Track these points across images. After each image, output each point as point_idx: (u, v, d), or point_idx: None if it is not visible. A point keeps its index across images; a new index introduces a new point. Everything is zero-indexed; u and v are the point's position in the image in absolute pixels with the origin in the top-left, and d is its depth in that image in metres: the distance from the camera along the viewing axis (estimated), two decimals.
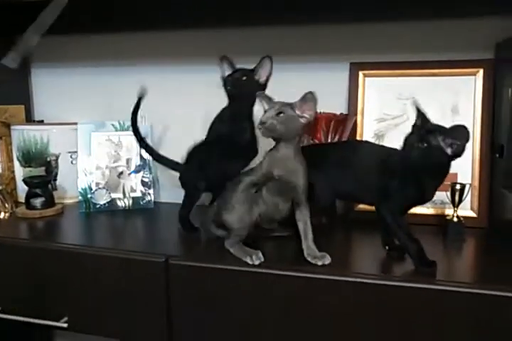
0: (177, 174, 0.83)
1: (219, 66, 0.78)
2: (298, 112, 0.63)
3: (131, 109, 0.86)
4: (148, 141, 0.98)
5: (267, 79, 0.74)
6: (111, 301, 0.70)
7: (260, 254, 0.64)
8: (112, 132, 0.97)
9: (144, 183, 0.98)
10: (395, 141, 0.65)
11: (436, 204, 0.83)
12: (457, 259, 0.71)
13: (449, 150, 0.60)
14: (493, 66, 0.82)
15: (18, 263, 0.75)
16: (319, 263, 0.63)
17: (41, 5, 0.80)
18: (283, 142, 0.64)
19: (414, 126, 0.64)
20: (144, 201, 0.98)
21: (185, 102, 1.03)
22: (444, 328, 0.57)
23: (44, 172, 0.98)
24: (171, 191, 0.99)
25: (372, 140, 0.88)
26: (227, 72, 0.76)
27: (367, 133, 0.88)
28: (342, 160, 0.70)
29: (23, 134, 0.97)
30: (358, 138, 0.88)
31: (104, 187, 0.96)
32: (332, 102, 0.89)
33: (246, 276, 0.63)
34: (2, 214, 0.90)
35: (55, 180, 0.99)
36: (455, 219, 0.77)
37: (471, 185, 0.82)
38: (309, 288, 0.61)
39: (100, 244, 0.74)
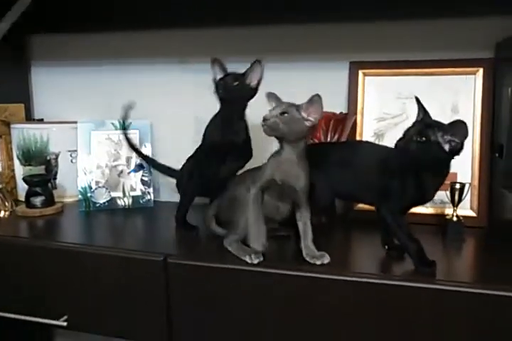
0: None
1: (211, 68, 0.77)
2: (304, 114, 0.62)
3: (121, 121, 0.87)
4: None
5: (258, 83, 0.75)
6: (110, 300, 0.70)
7: (259, 253, 0.64)
8: (111, 131, 0.97)
9: (143, 182, 0.98)
10: (394, 140, 0.65)
11: (436, 204, 0.83)
12: (457, 259, 0.71)
13: (447, 147, 0.60)
14: (493, 65, 0.82)
15: (18, 262, 0.75)
16: (318, 262, 0.63)
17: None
18: (286, 145, 0.63)
19: (415, 121, 0.64)
20: (144, 200, 0.98)
21: (186, 101, 1.03)
22: (444, 328, 0.57)
23: (44, 171, 0.98)
24: (171, 190, 0.99)
25: (371, 139, 0.88)
26: (219, 75, 0.76)
27: (366, 132, 0.88)
28: (342, 160, 0.70)
29: (23, 133, 0.97)
30: (357, 137, 0.88)
31: (103, 186, 0.96)
32: (332, 101, 0.88)
33: (245, 275, 0.63)
34: (2, 212, 0.91)
35: (55, 178, 0.99)
36: (455, 219, 0.77)
37: (470, 184, 0.81)
38: (309, 288, 0.61)
39: (100, 243, 0.74)
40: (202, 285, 0.65)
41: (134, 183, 0.98)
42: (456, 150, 0.60)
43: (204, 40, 0.99)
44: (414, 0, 0.84)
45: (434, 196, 0.65)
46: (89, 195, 0.95)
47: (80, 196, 0.95)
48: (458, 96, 0.84)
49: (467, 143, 0.83)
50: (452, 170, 0.64)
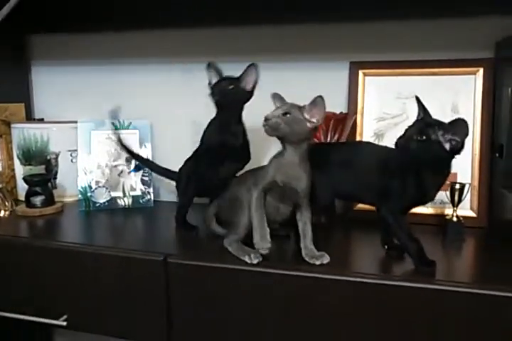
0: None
1: (207, 71, 0.78)
2: (307, 116, 0.62)
3: (114, 125, 0.90)
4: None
5: (254, 87, 0.75)
6: (110, 299, 0.70)
7: (259, 253, 0.64)
8: (111, 130, 0.97)
9: (143, 182, 0.98)
10: (394, 140, 0.65)
11: (436, 204, 0.83)
12: (457, 259, 0.71)
13: (447, 146, 0.60)
14: (493, 65, 0.82)
15: (18, 262, 0.75)
16: (317, 262, 0.63)
17: None
18: (289, 146, 0.63)
19: (416, 120, 0.64)
20: (144, 200, 0.98)
21: (186, 101, 1.03)
22: (444, 328, 0.57)
23: (44, 171, 0.98)
24: (171, 190, 0.99)
25: (371, 139, 0.88)
26: (214, 80, 0.76)
27: (366, 132, 0.88)
28: (342, 160, 0.70)
29: (23, 132, 0.98)
30: (357, 137, 0.88)
31: (104, 186, 0.96)
32: (332, 101, 0.87)
33: (245, 275, 0.63)
34: (2, 212, 0.91)
35: (55, 178, 0.99)
36: (454, 219, 0.77)
37: (470, 184, 0.81)
38: (308, 288, 0.61)
39: (100, 243, 0.74)
40: (202, 285, 0.65)
41: (134, 183, 0.98)
42: (457, 149, 0.60)
43: (204, 40, 0.99)
44: (414, 0, 0.84)
45: (435, 196, 0.65)
46: (89, 194, 0.95)
47: (80, 196, 0.95)
48: (458, 96, 0.84)
49: (467, 143, 0.84)
50: (452, 170, 0.64)
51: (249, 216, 0.65)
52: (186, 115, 1.03)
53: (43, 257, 0.74)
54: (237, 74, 0.75)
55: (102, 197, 0.95)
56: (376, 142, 0.87)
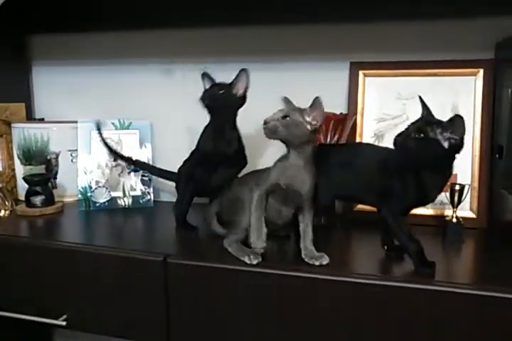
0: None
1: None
2: (308, 119, 0.62)
3: (102, 141, 0.91)
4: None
5: (245, 92, 0.75)
6: (110, 299, 0.70)
7: (258, 254, 0.64)
8: (112, 131, 0.97)
9: (143, 182, 0.98)
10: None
11: (436, 205, 0.83)
12: (456, 260, 0.71)
13: (445, 144, 0.59)
14: (493, 66, 0.82)
15: (18, 261, 0.76)
16: (316, 263, 0.63)
17: None
18: (292, 150, 0.63)
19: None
20: (144, 200, 0.98)
21: (186, 101, 1.03)
22: (443, 329, 0.57)
23: (44, 171, 0.98)
24: (171, 190, 0.99)
25: (371, 140, 0.88)
26: (207, 87, 0.77)
27: (366, 133, 0.88)
28: (343, 162, 0.70)
29: (23, 132, 0.98)
30: (357, 138, 0.88)
31: (104, 186, 0.96)
32: (332, 102, 0.88)
33: (244, 276, 0.63)
34: (2, 211, 0.91)
35: (55, 178, 0.99)
36: (454, 220, 0.77)
37: (470, 185, 0.81)
38: (307, 288, 0.61)
39: (100, 243, 0.74)
40: (201, 285, 0.65)
41: (134, 183, 0.98)
42: (456, 147, 0.60)
43: (204, 40, 0.99)
44: (414, 0, 0.84)
45: (436, 197, 0.65)
46: (89, 194, 0.95)
47: (80, 196, 0.95)
48: (458, 97, 0.84)
49: (467, 144, 0.84)
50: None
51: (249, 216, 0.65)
52: (187, 115, 1.03)
53: (43, 257, 0.74)
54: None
55: (102, 197, 0.96)
56: (376, 143, 0.87)
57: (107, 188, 0.96)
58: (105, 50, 1.07)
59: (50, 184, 0.95)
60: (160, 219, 0.92)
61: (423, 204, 0.67)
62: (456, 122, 0.59)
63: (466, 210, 0.82)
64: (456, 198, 0.77)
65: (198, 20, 0.97)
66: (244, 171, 0.80)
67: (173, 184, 0.87)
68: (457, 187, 0.77)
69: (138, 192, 0.98)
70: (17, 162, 1.00)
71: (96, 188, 0.96)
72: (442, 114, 0.83)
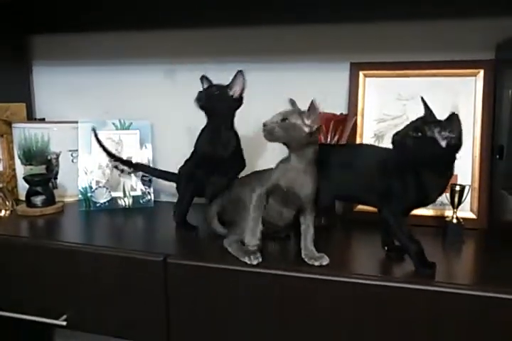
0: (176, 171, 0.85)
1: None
2: (307, 121, 0.61)
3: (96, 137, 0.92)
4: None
5: (241, 94, 0.75)
6: (110, 299, 0.70)
7: (258, 254, 0.64)
8: (112, 131, 0.98)
9: (144, 182, 0.98)
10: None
11: (436, 206, 0.83)
12: (456, 261, 0.71)
13: (443, 143, 0.59)
14: (493, 67, 0.82)
15: (18, 261, 0.76)
16: (316, 263, 0.63)
17: None
18: (292, 152, 0.63)
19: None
20: (144, 200, 0.98)
21: (186, 101, 1.03)
22: (443, 330, 0.57)
23: (45, 171, 0.98)
24: (171, 190, 0.99)
25: (372, 140, 0.88)
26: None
27: (367, 133, 0.88)
28: (343, 162, 0.70)
29: (24, 132, 0.98)
30: (357, 138, 0.88)
31: (104, 186, 0.96)
32: (332, 102, 0.89)
33: (244, 276, 0.63)
34: (3, 211, 0.91)
35: (56, 178, 0.99)
36: (454, 221, 0.77)
37: (470, 186, 0.81)
38: (307, 289, 0.61)
39: (100, 243, 0.74)
40: (201, 285, 0.65)
41: (134, 183, 0.98)
42: (453, 146, 0.60)
43: (204, 40, 0.99)
44: (415, 1, 0.84)
45: (437, 198, 0.65)
46: (89, 194, 0.95)
47: (80, 196, 0.95)
48: (458, 98, 0.84)
49: (467, 144, 0.84)
50: None
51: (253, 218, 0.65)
52: (187, 115, 1.02)
53: (43, 257, 0.74)
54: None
55: (102, 197, 0.96)
56: (376, 143, 0.87)
57: (107, 188, 0.96)
58: (106, 50, 1.07)
59: (50, 184, 0.95)
60: (160, 220, 0.92)
61: (424, 204, 0.67)
62: (452, 120, 0.59)
63: (466, 211, 0.82)
64: (456, 199, 0.77)
65: (198, 21, 0.97)
66: (244, 172, 0.80)
67: (174, 184, 0.87)
68: (457, 188, 0.77)
69: (138, 193, 0.98)
70: (18, 162, 1.00)
71: (96, 188, 0.96)
72: (443, 115, 0.83)
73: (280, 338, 0.63)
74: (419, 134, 0.60)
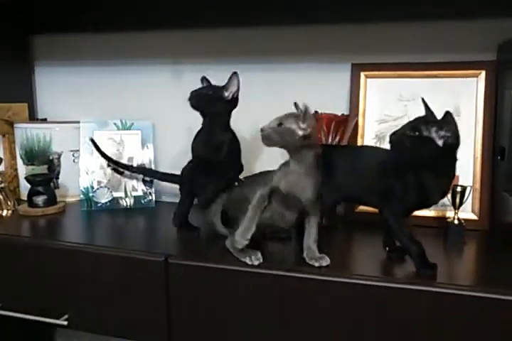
0: (178, 171, 0.85)
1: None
2: (302, 125, 0.61)
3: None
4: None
5: (234, 95, 0.75)
6: (111, 299, 0.70)
7: (259, 255, 0.64)
8: (114, 131, 0.98)
9: (145, 182, 0.98)
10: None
11: (437, 207, 0.83)
12: (458, 262, 0.71)
13: (440, 142, 0.59)
14: (495, 68, 0.82)
15: (20, 261, 0.76)
16: (316, 264, 0.63)
17: None
18: (291, 156, 0.63)
19: None
20: (146, 200, 0.98)
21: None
22: (444, 331, 0.57)
23: (46, 171, 0.98)
24: (172, 191, 0.99)
25: (373, 141, 0.88)
26: None
27: (368, 134, 0.88)
28: (345, 163, 0.70)
29: (26, 132, 0.98)
30: (359, 139, 0.88)
31: (105, 186, 0.96)
32: (333, 103, 0.89)
33: (245, 276, 0.63)
34: (4, 211, 0.91)
35: (57, 178, 1.00)
36: (456, 222, 0.77)
37: (472, 187, 0.81)
38: (308, 289, 0.61)
39: (101, 243, 0.74)
40: (202, 285, 0.65)
41: (135, 183, 0.98)
42: (450, 144, 0.59)
43: (204, 40, 0.99)
44: (416, 1, 0.84)
45: (439, 199, 0.64)
46: (91, 194, 0.95)
47: (81, 196, 0.95)
48: (460, 99, 0.84)
49: (469, 145, 0.84)
50: None
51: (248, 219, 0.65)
52: (189, 116, 1.03)
53: (45, 257, 0.74)
54: (238, 74, 0.76)
55: (103, 198, 0.96)
56: (378, 144, 0.87)
57: (108, 188, 0.96)
58: (107, 50, 1.07)
59: (52, 184, 0.95)
60: (161, 220, 0.92)
61: (426, 206, 0.67)
62: (447, 119, 0.59)
63: (467, 212, 0.82)
64: (457, 200, 0.77)
65: (198, 21, 0.97)
66: (244, 174, 0.80)
67: (174, 185, 0.87)
68: (459, 189, 0.76)
69: (139, 193, 0.98)
70: (19, 162, 1.01)
71: (98, 188, 0.96)
72: None
73: (280, 338, 0.63)
74: (416, 134, 0.60)
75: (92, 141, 0.94)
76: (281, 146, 0.63)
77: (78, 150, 0.97)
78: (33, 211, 0.90)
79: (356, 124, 0.87)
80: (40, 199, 0.91)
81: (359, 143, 0.88)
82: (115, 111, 1.03)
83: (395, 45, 0.89)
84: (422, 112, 0.65)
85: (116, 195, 0.97)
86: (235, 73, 0.75)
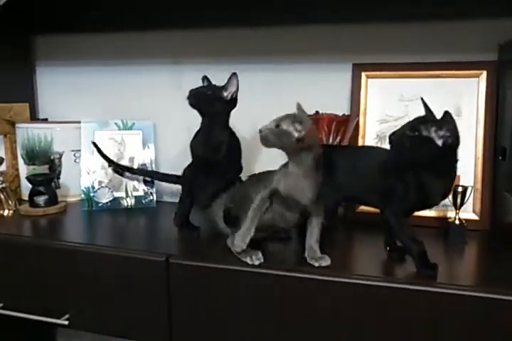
0: (179, 171, 0.85)
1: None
2: (298, 127, 0.60)
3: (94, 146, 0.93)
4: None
5: (233, 95, 0.75)
6: (112, 299, 0.70)
7: (260, 255, 0.64)
8: (115, 131, 0.98)
9: (146, 182, 0.99)
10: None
11: (438, 207, 0.83)
12: (459, 262, 0.71)
13: (439, 142, 0.59)
14: (496, 68, 0.82)
15: (21, 261, 0.76)
16: (316, 264, 0.63)
17: None
18: (290, 158, 0.63)
19: None
20: (147, 200, 0.98)
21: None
22: (445, 331, 0.57)
23: (47, 171, 0.98)
24: (174, 191, 0.99)
25: (374, 141, 0.88)
26: None
27: (369, 134, 0.88)
28: (346, 164, 0.70)
29: (27, 132, 0.98)
30: (360, 139, 0.88)
31: (106, 186, 0.96)
32: (334, 103, 0.89)
33: (246, 276, 0.63)
34: (6, 211, 0.91)
35: (59, 178, 1.00)
36: (457, 222, 0.77)
37: (473, 187, 0.81)
38: (309, 289, 0.61)
39: (102, 243, 0.74)
40: (203, 285, 0.65)
41: (136, 183, 0.98)
42: (450, 144, 0.59)
43: (205, 40, 0.99)
44: (417, 1, 0.84)
45: (440, 200, 0.64)
46: (92, 194, 0.95)
47: (82, 196, 0.95)
48: (461, 99, 0.84)
49: (470, 146, 0.84)
50: None
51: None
52: (190, 116, 1.03)
53: (46, 256, 0.74)
54: (239, 74, 0.76)
55: (104, 197, 0.96)
56: (379, 144, 0.87)
57: (109, 188, 0.96)
58: (108, 50, 1.08)
59: (53, 184, 0.95)
60: (162, 220, 0.93)
61: (427, 206, 0.67)
62: (447, 119, 0.59)
63: (468, 212, 0.82)
64: (458, 200, 0.77)
65: (198, 21, 0.97)
66: (244, 174, 0.80)
67: (175, 185, 0.87)
68: (460, 189, 0.76)
69: (141, 193, 0.98)
70: (21, 162, 1.01)
71: (99, 188, 0.96)
72: None
73: (281, 338, 0.63)
74: (416, 134, 0.60)
75: (94, 144, 0.94)
76: (279, 148, 0.63)
77: (79, 150, 0.98)
78: (34, 211, 0.90)
79: (357, 124, 0.87)
80: (41, 199, 0.91)
81: (360, 144, 0.88)
82: (116, 111, 1.03)
83: (396, 45, 0.89)
84: (422, 112, 0.65)
85: (117, 194, 0.97)
86: (234, 74, 0.75)
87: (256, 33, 0.95)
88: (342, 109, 0.89)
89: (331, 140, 0.82)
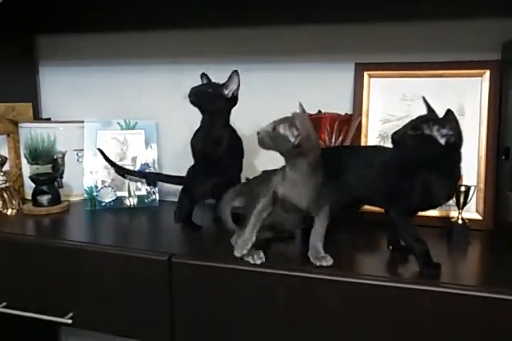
0: (182, 171, 0.85)
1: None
2: (295, 132, 0.59)
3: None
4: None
5: (234, 93, 0.75)
6: (115, 298, 0.71)
7: (262, 254, 0.64)
8: (118, 130, 0.98)
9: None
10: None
11: (441, 206, 0.82)
12: (462, 262, 0.71)
13: (442, 141, 0.59)
14: (499, 67, 0.81)
15: (24, 260, 0.76)
16: (317, 263, 0.63)
17: None
18: (287, 162, 0.63)
19: None
20: (149, 199, 0.98)
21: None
22: (448, 331, 0.57)
23: (51, 170, 0.98)
24: (176, 190, 0.99)
25: (377, 140, 0.88)
26: None
27: (371, 134, 0.88)
28: (351, 164, 0.70)
29: (30, 132, 0.99)
30: (362, 138, 0.88)
31: (109, 186, 0.96)
32: (336, 102, 0.89)
33: (248, 275, 0.63)
34: (9, 210, 0.92)
35: (62, 177, 1.00)
36: (460, 222, 0.77)
37: (476, 187, 0.81)
38: (311, 288, 0.61)
39: (105, 242, 0.75)
40: (206, 284, 0.65)
41: (139, 183, 0.98)
42: (452, 143, 0.59)
43: (205, 40, 1.00)
44: (417, 1, 0.83)
45: (445, 201, 0.64)
46: (95, 194, 0.96)
47: (85, 195, 0.96)
48: (464, 99, 0.84)
49: (473, 145, 0.84)
50: None
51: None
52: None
53: (49, 255, 0.74)
54: (240, 74, 0.76)
55: (107, 197, 0.96)
56: (381, 144, 0.87)
57: (112, 188, 0.97)
58: (111, 50, 1.08)
59: (56, 183, 0.96)
60: (165, 219, 0.93)
61: (432, 206, 0.67)
62: (449, 117, 0.59)
63: (472, 212, 0.82)
64: (461, 199, 0.77)
65: (198, 21, 0.98)
66: (245, 172, 0.80)
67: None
68: (463, 189, 0.76)
69: (143, 192, 0.98)
70: (24, 161, 1.01)
71: (102, 188, 0.96)
72: None
73: (284, 338, 0.63)
74: (418, 132, 0.59)
75: (100, 151, 0.94)
76: (276, 151, 0.62)
77: (82, 150, 0.98)
78: (37, 210, 0.91)
79: (360, 124, 0.87)
80: (44, 199, 0.91)
81: (362, 143, 0.88)
82: (119, 111, 1.03)
83: (399, 45, 0.89)
84: (425, 112, 0.65)
85: (120, 194, 0.97)
86: (235, 71, 0.75)
87: (256, 32, 0.95)
88: (344, 108, 0.89)
89: (333, 139, 0.82)
